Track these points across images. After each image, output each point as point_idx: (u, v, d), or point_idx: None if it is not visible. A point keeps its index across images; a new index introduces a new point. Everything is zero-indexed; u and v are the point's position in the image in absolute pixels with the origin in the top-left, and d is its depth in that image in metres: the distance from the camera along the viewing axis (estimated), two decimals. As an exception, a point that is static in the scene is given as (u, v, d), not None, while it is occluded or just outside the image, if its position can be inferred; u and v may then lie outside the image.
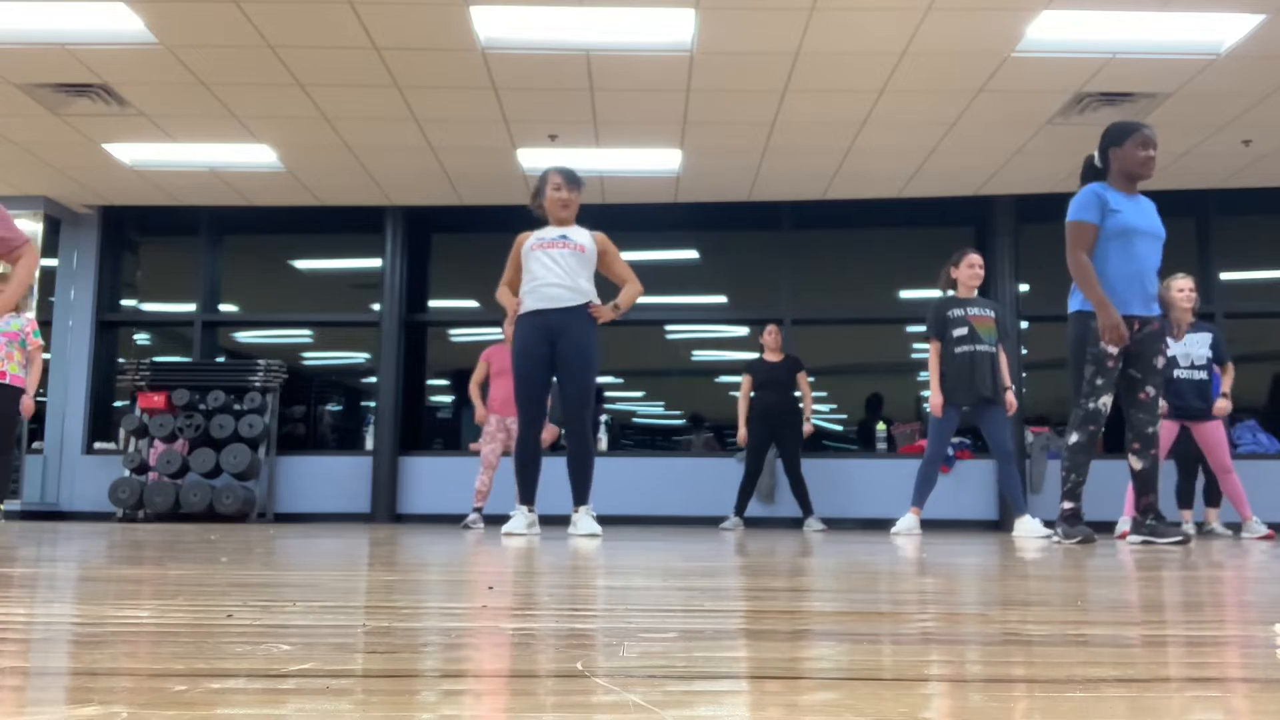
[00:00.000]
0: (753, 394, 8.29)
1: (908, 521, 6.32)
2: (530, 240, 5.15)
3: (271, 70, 6.88)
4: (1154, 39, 6.45)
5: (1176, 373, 6.60)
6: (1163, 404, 5.03)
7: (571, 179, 5.18)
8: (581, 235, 5.16)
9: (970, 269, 6.44)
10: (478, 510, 7.57)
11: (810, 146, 8.24)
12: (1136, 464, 4.58)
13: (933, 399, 6.37)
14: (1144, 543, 4.51)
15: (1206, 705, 0.76)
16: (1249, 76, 6.91)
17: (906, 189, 9.29)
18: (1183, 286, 6.63)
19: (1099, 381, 4.52)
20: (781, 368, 8.28)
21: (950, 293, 6.54)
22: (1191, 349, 6.64)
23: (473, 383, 7.83)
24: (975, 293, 6.49)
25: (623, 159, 8.55)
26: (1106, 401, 4.54)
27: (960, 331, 6.35)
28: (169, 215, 10.06)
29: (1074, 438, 4.58)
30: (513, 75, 6.96)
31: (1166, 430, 6.57)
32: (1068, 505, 4.61)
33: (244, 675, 0.85)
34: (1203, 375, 6.63)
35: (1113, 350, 4.51)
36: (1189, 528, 6.96)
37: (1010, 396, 6.39)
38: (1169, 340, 6.50)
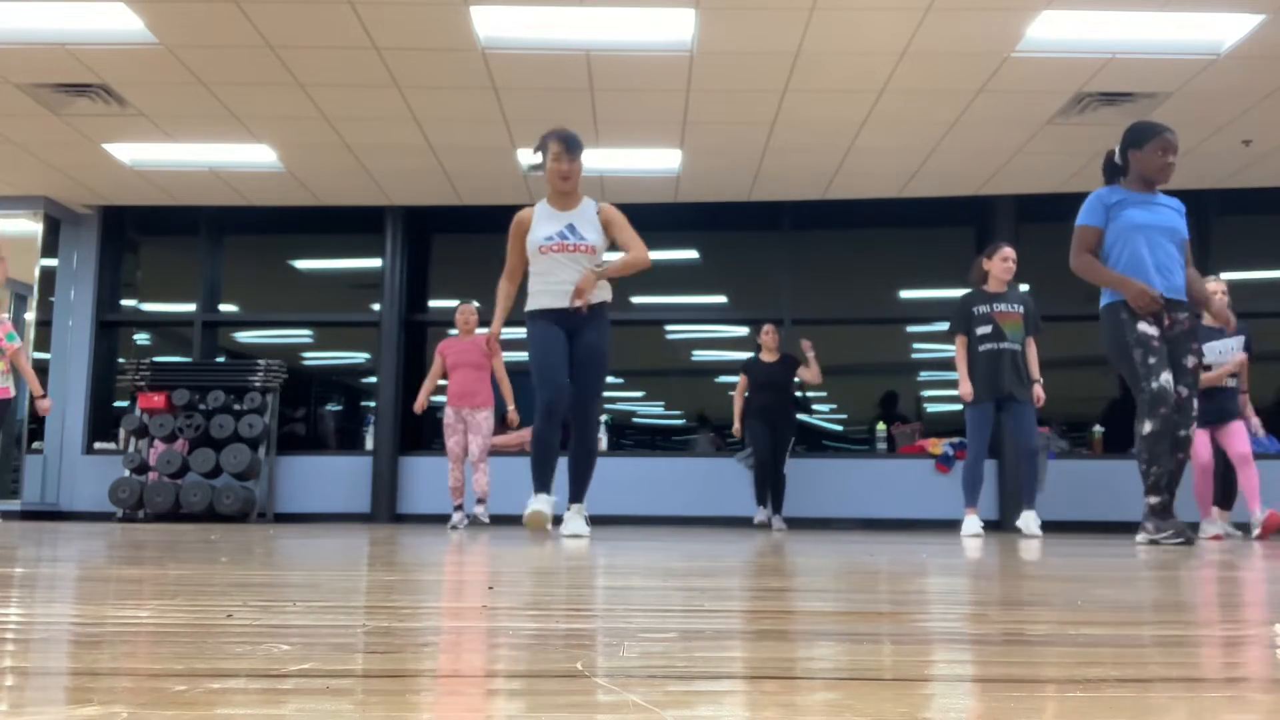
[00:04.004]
0: (747, 394, 8.33)
1: (970, 524, 6.26)
2: (536, 235, 4.87)
3: (271, 70, 6.88)
4: (1154, 39, 6.45)
5: (1206, 377, 6.58)
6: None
7: (572, 145, 4.88)
8: (588, 226, 4.89)
9: (1003, 262, 6.42)
10: (458, 508, 7.55)
11: (810, 146, 8.24)
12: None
13: (961, 388, 6.37)
14: (1150, 542, 4.49)
15: (1207, 705, 0.76)
16: (1249, 76, 6.91)
17: (906, 189, 9.29)
18: (1215, 290, 6.61)
19: (1151, 360, 4.43)
20: (778, 368, 8.30)
21: (983, 286, 6.48)
22: (1221, 356, 6.60)
23: (430, 378, 7.68)
24: (1007, 286, 6.46)
25: (623, 159, 8.55)
26: (1167, 378, 4.40)
27: (984, 330, 6.33)
28: (169, 215, 10.06)
29: (1146, 426, 4.39)
30: (513, 75, 6.96)
31: (1200, 438, 6.47)
32: (1154, 500, 4.43)
33: (244, 675, 0.85)
34: (1232, 383, 6.60)
35: (1153, 330, 4.48)
36: (1216, 526, 6.93)
37: (1038, 390, 6.39)
38: (1204, 346, 6.54)
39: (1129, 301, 4.45)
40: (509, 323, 5.27)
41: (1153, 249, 4.54)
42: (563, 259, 4.85)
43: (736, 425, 8.34)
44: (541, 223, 4.91)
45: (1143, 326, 4.49)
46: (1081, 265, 4.60)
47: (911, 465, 9.22)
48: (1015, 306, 6.39)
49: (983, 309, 6.37)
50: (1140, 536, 4.63)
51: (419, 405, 7.68)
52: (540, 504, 4.82)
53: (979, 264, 6.55)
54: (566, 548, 3.62)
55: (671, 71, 6.88)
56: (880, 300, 9.93)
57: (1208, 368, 6.57)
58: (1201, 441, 6.53)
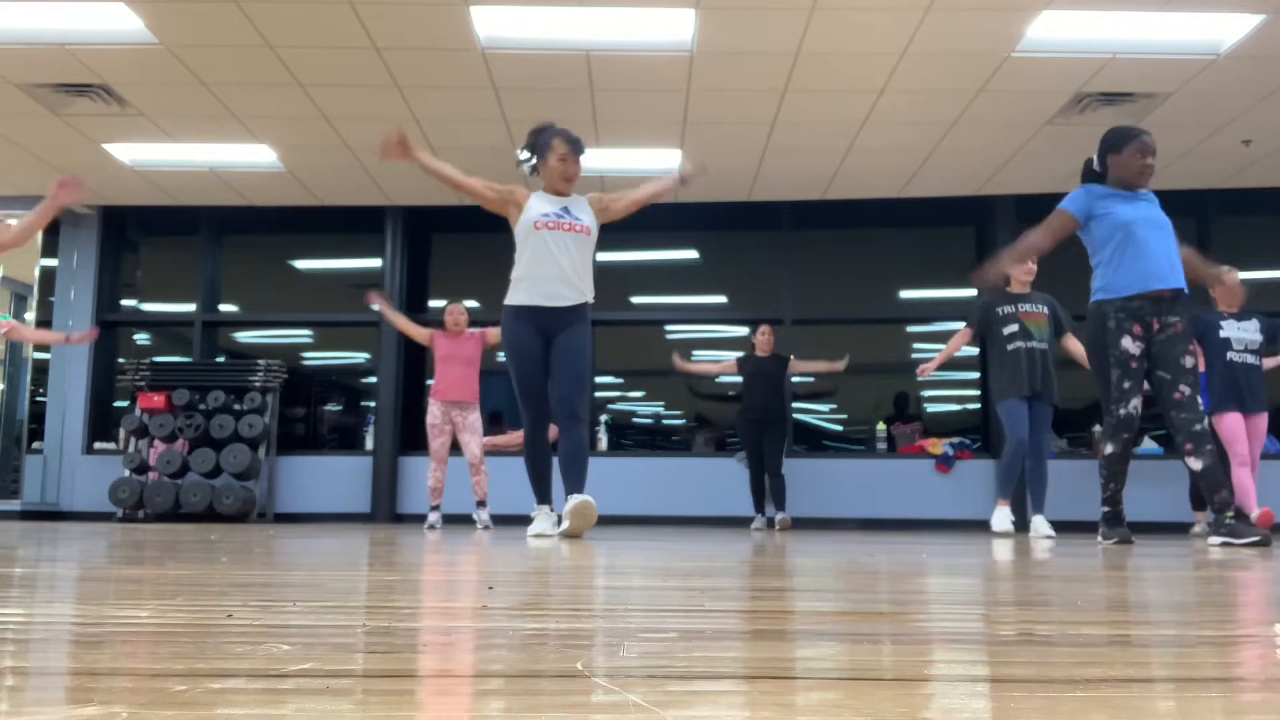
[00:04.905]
0: (741, 392, 8.37)
1: (1000, 518, 6.28)
2: (533, 212, 4.81)
3: (271, 70, 6.88)
4: (1154, 39, 6.45)
5: (1230, 356, 6.56)
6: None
7: (578, 149, 4.90)
8: (584, 210, 4.89)
9: (1023, 264, 6.44)
10: (435, 509, 7.47)
11: (810, 146, 8.24)
12: (1196, 464, 4.36)
13: (925, 365, 6.47)
14: (1223, 544, 4.30)
15: (1207, 705, 0.76)
16: (1249, 76, 6.91)
17: (906, 189, 9.29)
18: (1230, 282, 6.64)
19: (1126, 385, 4.46)
20: (770, 361, 8.33)
21: (1005, 288, 6.50)
22: (1244, 333, 6.62)
23: (412, 328, 7.58)
24: (1029, 288, 6.48)
25: (623, 159, 8.55)
26: (1137, 404, 4.47)
27: (1010, 329, 6.36)
28: (169, 215, 10.06)
29: (1109, 448, 4.52)
30: (513, 75, 6.96)
31: (1234, 422, 6.49)
32: (1106, 509, 4.59)
33: (244, 675, 0.85)
34: (1255, 360, 6.61)
35: (1134, 349, 4.47)
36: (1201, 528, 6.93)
37: None
38: (1222, 323, 6.58)
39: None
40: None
41: (1157, 242, 4.52)
42: (558, 237, 4.76)
43: (696, 367, 8.49)
44: (538, 203, 4.88)
45: (1125, 343, 4.46)
46: (1029, 241, 4.66)
47: (911, 465, 9.21)
48: (1039, 307, 6.43)
49: (1008, 309, 6.40)
50: (1212, 539, 4.45)
51: (398, 319, 7.59)
52: (542, 524, 4.84)
53: None
54: (569, 547, 3.62)
55: (671, 71, 6.88)
56: (880, 300, 9.92)
57: (1225, 340, 6.60)
58: (1239, 434, 6.48)
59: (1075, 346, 6.48)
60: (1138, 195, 4.65)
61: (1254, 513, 6.52)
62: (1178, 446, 4.45)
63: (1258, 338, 6.65)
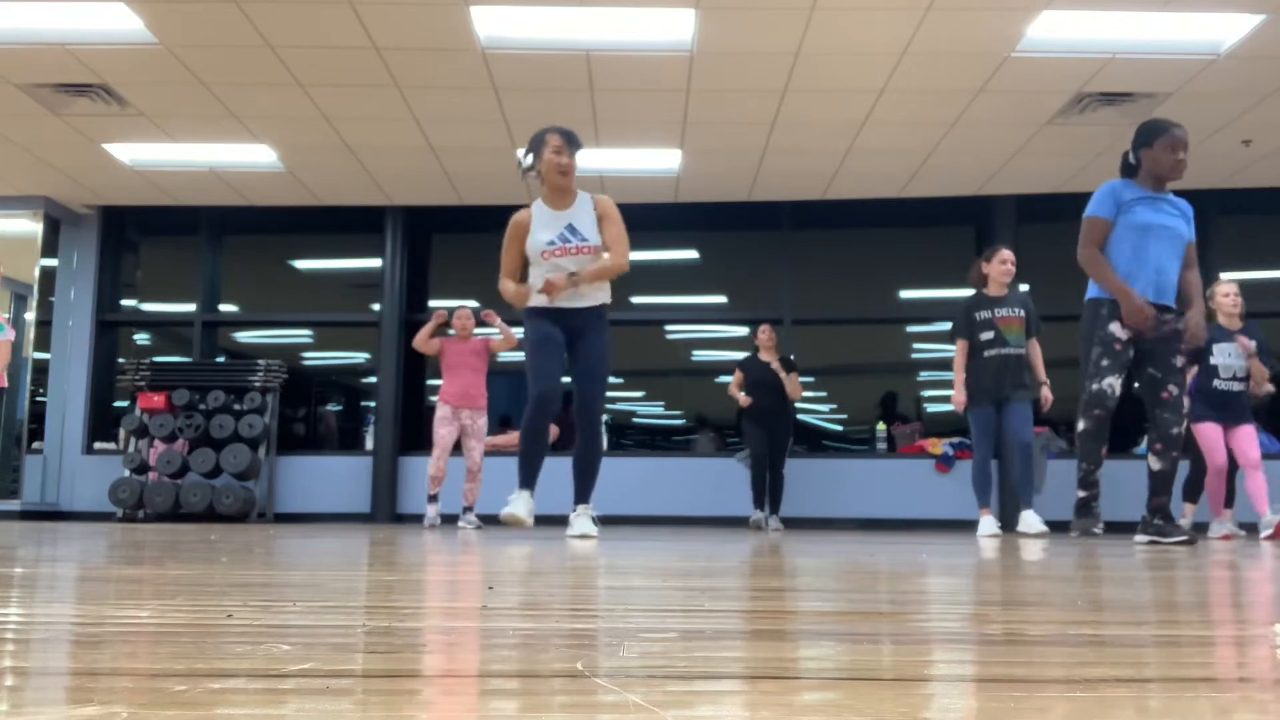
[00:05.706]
0: (743, 391, 8.27)
1: (986, 525, 6.31)
2: (537, 239, 4.74)
3: (271, 70, 6.88)
4: (1154, 39, 6.45)
5: (1215, 383, 6.52)
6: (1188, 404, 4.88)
7: (572, 141, 4.82)
8: (588, 224, 4.78)
9: (1002, 265, 6.40)
10: (433, 498, 7.47)
11: (810, 146, 8.24)
12: (1155, 464, 4.53)
13: (955, 396, 6.37)
14: (1150, 542, 4.48)
15: (1207, 705, 0.76)
16: (1249, 76, 6.91)
17: (906, 189, 9.29)
18: (1227, 291, 6.60)
19: (1104, 363, 4.48)
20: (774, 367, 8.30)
21: (983, 290, 6.47)
22: (1233, 360, 6.54)
23: (429, 342, 7.68)
24: (1007, 289, 6.46)
25: (623, 159, 8.55)
26: (1112, 383, 4.48)
27: (987, 335, 6.33)
28: (169, 215, 10.06)
29: (1081, 424, 4.54)
30: (513, 75, 6.96)
31: (1213, 432, 6.52)
32: (1080, 494, 4.59)
33: (244, 675, 0.85)
34: (1241, 387, 6.55)
35: (1122, 335, 4.49)
36: (1226, 526, 6.89)
37: (1046, 391, 6.42)
38: (1214, 347, 6.55)
39: (1123, 315, 4.46)
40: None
41: (1155, 249, 4.54)
42: (566, 263, 4.74)
43: (743, 397, 8.22)
44: (541, 227, 4.78)
45: (1113, 327, 4.51)
46: (1088, 258, 4.58)
47: (911, 465, 9.21)
48: (1016, 310, 6.38)
49: (984, 314, 6.36)
50: (1139, 537, 4.63)
51: (436, 322, 7.68)
52: (519, 505, 4.67)
53: (977, 267, 6.53)
54: (569, 548, 3.62)
55: (671, 71, 6.88)
56: (880, 300, 9.92)
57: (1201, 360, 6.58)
58: (1217, 443, 6.52)
59: (1036, 354, 6.47)
60: (1163, 198, 4.63)
61: (1266, 514, 6.49)
62: (1149, 442, 4.57)
63: (1246, 363, 6.60)
